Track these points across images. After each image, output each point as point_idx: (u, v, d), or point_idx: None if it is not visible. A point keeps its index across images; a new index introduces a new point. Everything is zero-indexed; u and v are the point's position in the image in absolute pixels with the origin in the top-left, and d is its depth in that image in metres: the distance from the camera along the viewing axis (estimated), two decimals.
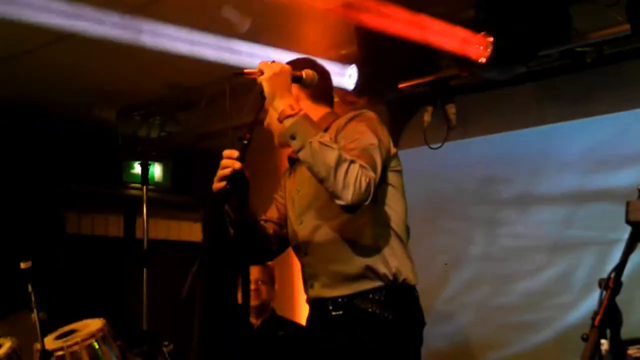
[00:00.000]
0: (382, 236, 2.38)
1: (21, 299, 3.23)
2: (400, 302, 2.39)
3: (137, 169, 6.39)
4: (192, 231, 7.24)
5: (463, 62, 4.11)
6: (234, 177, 2.13)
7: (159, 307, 6.06)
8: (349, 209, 2.20)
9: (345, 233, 2.37)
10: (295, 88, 2.38)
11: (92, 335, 3.43)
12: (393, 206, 2.42)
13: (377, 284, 2.35)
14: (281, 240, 2.59)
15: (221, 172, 2.15)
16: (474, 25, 4.00)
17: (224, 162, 2.16)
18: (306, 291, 2.51)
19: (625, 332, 1.76)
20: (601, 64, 4.28)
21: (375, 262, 2.36)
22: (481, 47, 3.97)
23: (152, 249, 6.38)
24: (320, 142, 2.18)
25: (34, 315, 3.17)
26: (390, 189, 2.43)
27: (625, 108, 4.56)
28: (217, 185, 2.15)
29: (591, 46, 4.11)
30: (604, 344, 1.71)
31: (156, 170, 6.53)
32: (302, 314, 4.21)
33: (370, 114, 2.43)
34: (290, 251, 2.63)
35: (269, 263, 4.29)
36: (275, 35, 4.19)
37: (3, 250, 5.04)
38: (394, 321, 2.34)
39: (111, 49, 4.21)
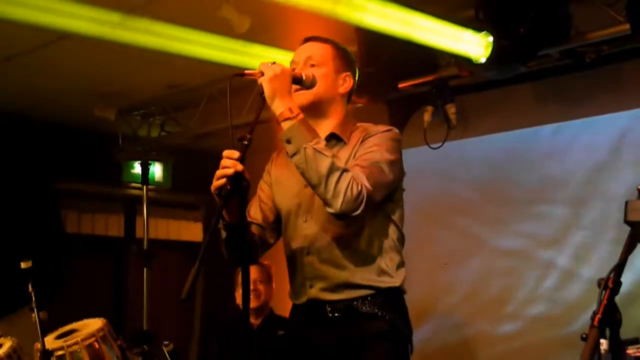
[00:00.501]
0: (386, 247, 2.40)
1: (22, 299, 3.23)
2: (398, 306, 2.42)
3: (137, 168, 6.39)
4: (192, 231, 7.25)
5: (463, 61, 4.12)
6: (236, 178, 2.11)
7: (159, 306, 6.07)
8: (339, 217, 2.24)
9: (351, 239, 2.37)
10: (334, 89, 2.42)
11: (93, 335, 3.43)
12: (396, 220, 2.45)
13: (376, 290, 2.37)
14: (263, 243, 2.54)
15: (221, 172, 2.13)
16: (474, 25, 4.00)
17: (224, 162, 2.14)
18: (302, 290, 2.45)
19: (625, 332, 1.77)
20: (601, 64, 4.29)
21: (377, 271, 2.37)
22: (481, 47, 3.97)
23: (152, 249, 6.39)
24: (315, 149, 2.20)
25: (35, 314, 3.17)
26: (397, 206, 2.46)
27: (624, 108, 4.56)
28: (216, 184, 2.13)
29: (591, 46, 4.12)
30: (604, 343, 1.71)
31: (156, 170, 6.54)
32: None
33: (398, 135, 2.45)
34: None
35: (266, 262, 4.29)
36: (275, 35, 4.19)
37: (3, 250, 5.04)
38: (394, 320, 2.36)
39: (111, 48, 4.21)
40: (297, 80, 2.36)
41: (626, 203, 1.73)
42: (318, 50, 2.48)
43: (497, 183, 5.17)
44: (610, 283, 1.68)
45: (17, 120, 5.75)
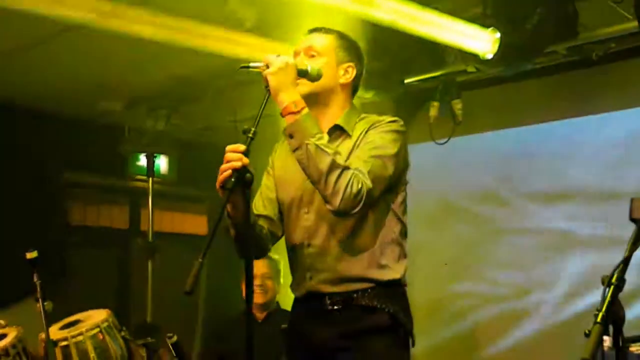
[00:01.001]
0: (387, 239, 2.40)
1: (26, 289, 3.24)
2: (398, 298, 2.42)
3: (142, 161, 6.40)
4: (197, 224, 7.25)
5: (470, 57, 4.11)
6: (241, 171, 2.11)
7: (164, 298, 6.08)
8: (337, 214, 2.25)
9: (352, 231, 2.36)
10: (334, 79, 2.42)
11: (97, 326, 3.45)
12: (398, 212, 2.44)
13: (376, 283, 2.37)
14: (272, 235, 2.53)
15: (228, 165, 2.12)
16: (482, 21, 3.99)
17: (228, 155, 2.14)
18: (302, 282, 2.45)
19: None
20: (608, 61, 4.27)
21: (378, 264, 2.37)
22: (488, 43, 3.97)
23: (157, 241, 6.41)
24: (317, 146, 2.20)
25: (39, 305, 3.18)
26: (399, 197, 2.45)
27: (632, 105, 4.55)
28: (222, 177, 2.13)
29: (598, 43, 4.10)
30: (607, 340, 1.71)
31: (162, 163, 6.54)
32: None
33: (402, 126, 2.44)
34: None
35: (275, 256, 4.29)
36: (282, 29, 4.19)
37: (9, 241, 5.06)
38: (394, 313, 2.36)
39: (118, 41, 4.21)
40: (302, 73, 2.35)
41: (632, 200, 1.73)
42: (319, 41, 2.48)
43: (502, 180, 5.16)
44: (615, 280, 1.68)
45: (23, 113, 5.76)
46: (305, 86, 2.38)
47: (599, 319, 1.64)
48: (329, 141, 2.30)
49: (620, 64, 4.40)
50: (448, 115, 4.76)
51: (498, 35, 3.92)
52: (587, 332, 1.64)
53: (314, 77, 2.39)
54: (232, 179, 2.10)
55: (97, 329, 3.44)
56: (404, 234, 2.47)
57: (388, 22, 3.89)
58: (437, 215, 5.31)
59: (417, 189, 2.56)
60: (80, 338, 3.39)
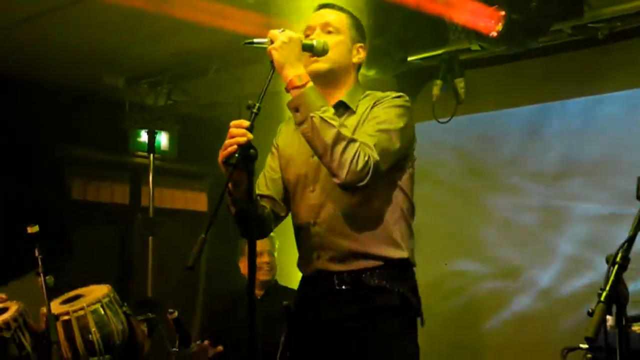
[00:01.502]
0: (394, 217, 2.37)
1: (28, 264, 3.24)
2: (407, 278, 2.40)
3: (143, 137, 6.39)
4: (197, 200, 7.26)
5: (474, 35, 4.08)
6: (245, 147, 2.08)
7: (164, 274, 6.10)
8: (344, 187, 2.23)
9: (359, 209, 2.34)
10: (342, 54, 2.39)
11: (98, 301, 3.44)
12: (405, 189, 2.42)
13: (385, 262, 2.34)
14: (275, 216, 2.52)
15: (232, 140, 2.10)
16: None
17: (232, 131, 2.12)
18: (309, 261, 2.43)
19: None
20: (613, 40, 4.24)
21: (386, 242, 2.35)
22: (492, 21, 3.93)
23: (157, 217, 6.41)
24: (322, 118, 2.18)
25: (41, 279, 3.18)
26: (407, 174, 2.42)
27: (637, 85, 4.53)
28: (225, 152, 2.11)
29: (604, 22, 4.07)
30: (610, 319, 1.71)
31: (163, 139, 6.53)
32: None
33: (408, 101, 2.41)
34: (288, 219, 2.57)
35: (271, 233, 4.28)
36: (285, 5, 4.16)
37: (9, 216, 5.06)
38: (403, 293, 2.34)
39: (121, 16, 4.19)
40: (307, 47, 2.33)
41: (638, 179, 1.72)
42: (336, 18, 2.46)
43: (506, 158, 5.16)
44: (619, 259, 1.67)
45: (24, 86, 5.74)
46: (323, 64, 2.37)
47: (602, 298, 1.63)
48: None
49: (626, 43, 4.38)
50: (451, 93, 4.74)
51: (503, 13, 3.88)
52: (590, 310, 1.63)
53: (319, 52, 2.36)
54: (236, 155, 2.08)
55: (98, 304, 3.43)
56: (411, 211, 2.44)
57: None
58: (435, 194, 5.31)
59: (416, 167, 2.54)
60: (81, 312, 3.38)
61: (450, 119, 4.81)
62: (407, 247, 2.39)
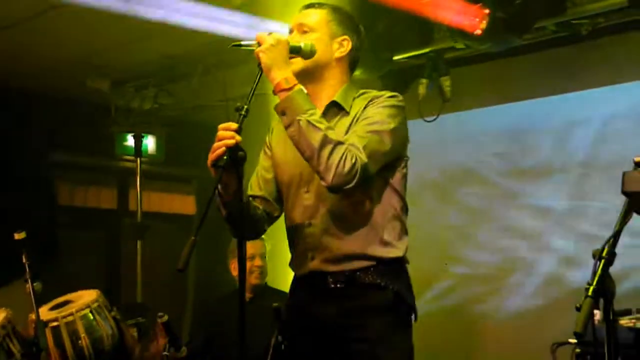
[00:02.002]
0: (388, 216, 2.38)
1: (16, 270, 3.22)
2: (401, 276, 2.40)
3: (130, 141, 6.36)
4: (185, 204, 7.24)
5: (458, 34, 4.09)
6: (234, 150, 2.08)
7: (153, 278, 6.08)
8: (332, 190, 2.22)
9: (353, 209, 2.34)
10: (330, 54, 2.39)
11: (87, 306, 3.44)
12: (398, 189, 2.42)
13: (379, 261, 2.35)
14: (268, 216, 2.51)
15: (221, 143, 2.10)
16: None
17: (221, 133, 2.11)
18: (303, 262, 2.41)
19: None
20: (597, 37, 4.27)
21: (380, 242, 2.35)
22: (477, 19, 3.94)
23: (145, 221, 6.39)
24: (308, 121, 2.17)
25: (29, 286, 3.16)
26: (400, 174, 2.42)
27: (620, 81, 4.56)
28: (214, 155, 2.11)
29: (587, 18, 4.09)
30: (597, 314, 1.72)
31: (149, 143, 6.51)
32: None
33: (401, 101, 2.40)
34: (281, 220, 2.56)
35: (263, 236, 4.27)
36: (271, 7, 4.16)
37: None
38: (398, 290, 2.35)
39: (105, 19, 4.17)
40: (295, 50, 2.33)
41: (623, 174, 1.73)
42: (311, 16, 2.45)
43: (490, 157, 5.18)
44: (605, 254, 1.68)
45: (10, 91, 5.70)
46: (299, 63, 2.36)
47: (590, 293, 1.64)
48: (326, 118, 2.27)
49: (609, 39, 4.40)
50: (436, 92, 4.75)
51: (487, 11, 3.90)
52: (578, 306, 1.64)
53: (307, 54, 2.36)
54: (225, 157, 2.08)
55: (88, 309, 3.43)
56: (404, 210, 2.44)
57: None
58: (423, 194, 5.32)
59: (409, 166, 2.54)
60: (70, 318, 3.38)
61: (436, 118, 4.82)
62: (401, 245, 2.39)
